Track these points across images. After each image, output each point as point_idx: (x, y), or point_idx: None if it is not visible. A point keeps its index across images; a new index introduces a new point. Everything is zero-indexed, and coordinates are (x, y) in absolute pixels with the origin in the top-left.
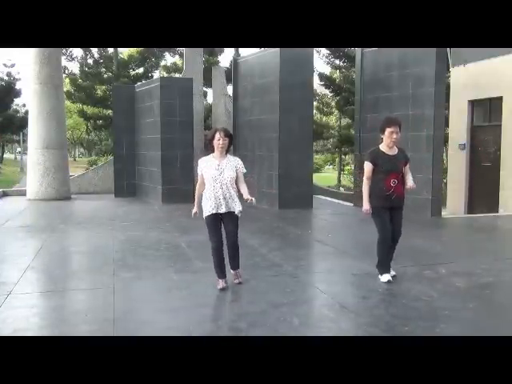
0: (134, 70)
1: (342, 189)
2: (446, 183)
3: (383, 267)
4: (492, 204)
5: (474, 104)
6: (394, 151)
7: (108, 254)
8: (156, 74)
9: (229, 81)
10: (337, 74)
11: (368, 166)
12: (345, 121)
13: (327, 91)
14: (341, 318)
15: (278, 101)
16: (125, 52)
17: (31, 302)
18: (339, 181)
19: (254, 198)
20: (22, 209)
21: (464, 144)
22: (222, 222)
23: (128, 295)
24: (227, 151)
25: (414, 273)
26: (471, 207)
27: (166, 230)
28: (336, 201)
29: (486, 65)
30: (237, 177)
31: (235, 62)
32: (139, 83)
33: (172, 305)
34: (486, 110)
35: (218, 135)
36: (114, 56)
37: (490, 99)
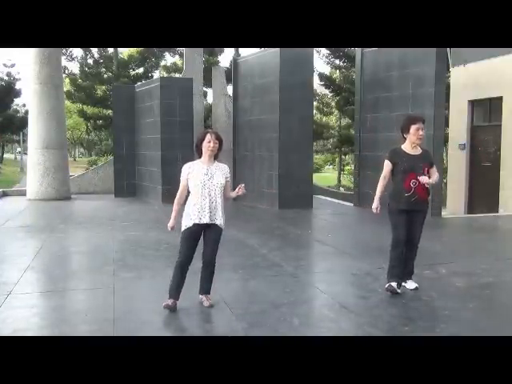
0: (134, 70)
1: (342, 189)
2: (446, 183)
3: (391, 273)
4: (492, 204)
5: (474, 104)
6: (417, 151)
7: (108, 254)
8: (156, 74)
9: (229, 81)
10: (337, 74)
11: (385, 165)
12: (345, 121)
13: (327, 91)
14: (341, 318)
15: (278, 101)
16: (125, 52)
17: (31, 302)
18: (339, 181)
19: (242, 185)
20: (22, 209)
21: (464, 144)
22: (204, 236)
23: (128, 295)
24: (216, 157)
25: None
26: (471, 207)
27: (165, 230)
28: (336, 201)
29: (485, 65)
30: (225, 185)
31: (235, 62)
32: (139, 83)
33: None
34: (486, 109)
35: (208, 137)
36: (114, 56)
37: (490, 99)
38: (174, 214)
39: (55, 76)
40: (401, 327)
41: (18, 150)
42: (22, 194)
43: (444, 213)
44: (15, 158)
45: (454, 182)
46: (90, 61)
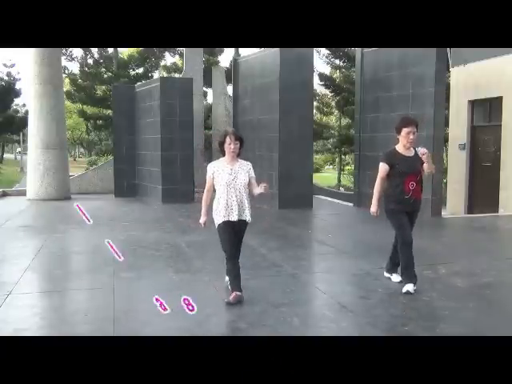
0: (134, 70)
1: (342, 189)
2: (446, 183)
3: (409, 274)
4: (492, 204)
5: (474, 104)
6: (411, 152)
7: (108, 254)
8: (156, 74)
9: (229, 81)
10: (337, 74)
11: (383, 167)
12: (345, 121)
13: (327, 91)
14: (341, 317)
15: (278, 101)
16: (125, 52)
17: (31, 302)
18: (339, 181)
19: (265, 184)
20: (22, 209)
21: (464, 144)
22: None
23: (128, 295)
24: (238, 155)
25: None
26: (471, 207)
27: (166, 230)
28: (336, 201)
29: (486, 65)
30: (249, 182)
31: (235, 62)
32: (139, 83)
33: (172, 305)
34: (486, 109)
35: (228, 139)
36: (113, 56)
37: (490, 99)
38: (203, 211)
39: (55, 76)
40: (401, 327)
41: (18, 149)
42: (22, 194)
43: (444, 213)
44: (15, 158)
45: (454, 181)
46: (90, 61)
